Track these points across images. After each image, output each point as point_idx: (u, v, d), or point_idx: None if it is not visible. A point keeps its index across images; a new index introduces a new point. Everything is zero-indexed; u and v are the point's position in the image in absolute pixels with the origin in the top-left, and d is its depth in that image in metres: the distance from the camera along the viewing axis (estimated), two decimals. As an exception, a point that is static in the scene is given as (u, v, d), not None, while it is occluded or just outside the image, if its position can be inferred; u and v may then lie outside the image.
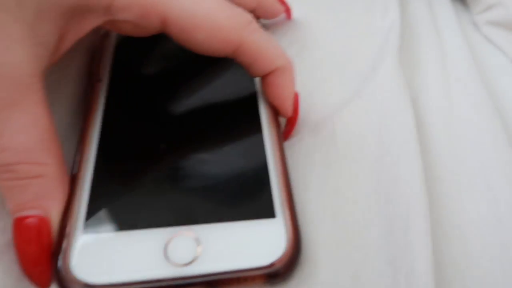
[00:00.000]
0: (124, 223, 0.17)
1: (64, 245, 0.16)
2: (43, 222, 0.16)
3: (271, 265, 0.16)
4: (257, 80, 0.22)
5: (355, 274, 0.17)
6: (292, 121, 0.21)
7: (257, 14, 0.26)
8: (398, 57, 0.26)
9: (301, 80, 0.22)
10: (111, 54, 0.23)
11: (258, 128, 0.20)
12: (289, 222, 0.17)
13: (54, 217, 0.17)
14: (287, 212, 0.17)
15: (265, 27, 0.27)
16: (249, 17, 0.20)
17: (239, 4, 0.20)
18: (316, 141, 0.22)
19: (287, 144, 0.21)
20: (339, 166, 0.21)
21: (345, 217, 0.19)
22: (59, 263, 0.16)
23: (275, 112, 0.21)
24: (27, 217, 0.16)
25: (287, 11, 0.28)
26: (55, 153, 0.17)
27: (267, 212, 0.17)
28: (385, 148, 0.21)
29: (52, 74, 0.20)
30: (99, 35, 0.25)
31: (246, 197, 0.18)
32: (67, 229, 0.17)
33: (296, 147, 0.21)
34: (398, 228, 0.18)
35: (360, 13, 0.29)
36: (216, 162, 0.19)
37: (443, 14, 0.31)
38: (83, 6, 0.18)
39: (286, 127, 0.22)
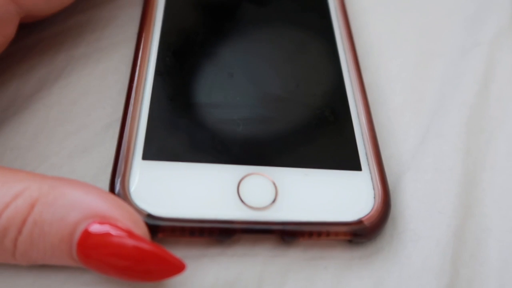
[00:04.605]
0: (191, 154, 0.15)
1: (120, 168, 0.14)
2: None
3: (359, 222, 0.14)
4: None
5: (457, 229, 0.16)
6: None
7: None
8: None
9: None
10: None
11: (338, 65, 0.18)
12: (376, 177, 0.15)
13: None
14: (375, 166, 0.16)
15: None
16: None
17: None
18: None
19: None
20: None
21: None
22: (117, 187, 0.14)
23: (352, 42, 0.19)
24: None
25: None
26: None
27: (352, 164, 0.16)
28: None
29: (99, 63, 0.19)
30: None
31: (328, 145, 0.16)
32: (124, 153, 0.14)
33: None
34: None
35: None
36: (293, 101, 0.17)
37: None
38: None
39: None
